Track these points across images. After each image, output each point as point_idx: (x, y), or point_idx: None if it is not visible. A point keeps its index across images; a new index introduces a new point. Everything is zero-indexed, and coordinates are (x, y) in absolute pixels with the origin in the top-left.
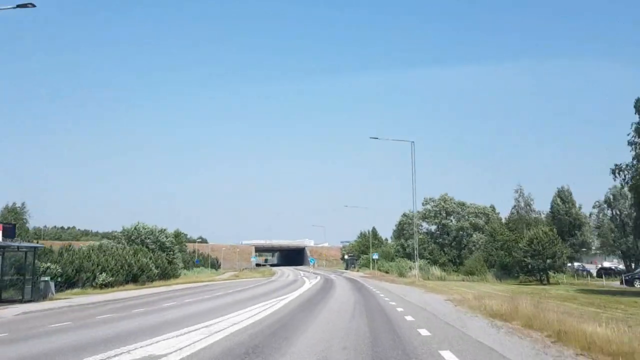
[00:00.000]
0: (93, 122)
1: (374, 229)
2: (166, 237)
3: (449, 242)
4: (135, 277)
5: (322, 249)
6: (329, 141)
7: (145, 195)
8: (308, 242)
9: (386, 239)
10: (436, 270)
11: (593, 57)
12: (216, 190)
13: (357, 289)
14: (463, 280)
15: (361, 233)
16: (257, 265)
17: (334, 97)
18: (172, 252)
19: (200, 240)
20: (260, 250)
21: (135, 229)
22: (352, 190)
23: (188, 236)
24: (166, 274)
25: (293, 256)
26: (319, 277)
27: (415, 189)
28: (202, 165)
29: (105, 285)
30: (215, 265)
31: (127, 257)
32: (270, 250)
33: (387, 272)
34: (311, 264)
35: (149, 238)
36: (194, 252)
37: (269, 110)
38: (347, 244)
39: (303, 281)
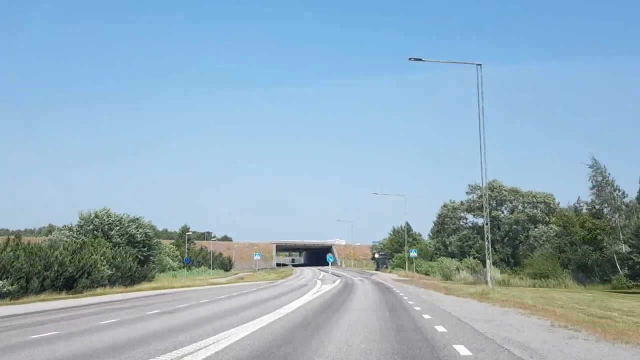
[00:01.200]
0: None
1: (407, 224)
2: (138, 228)
3: (500, 238)
4: (72, 282)
5: (351, 248)
6: (357, 131)
7: (171, 195)
8: (339, 242)
9: (419, 234)
10: (495, 272)
11: None
12: (245, 191)
13: (390, 309)
14: (535, 286)
15: (394, 229)
16: (278, 265)
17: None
18: (146, 249)
19: (223, 239)
20: (284, 249)
21: (96, 216)
22: (384, 182)
23: (213, 235)
24: (131, 276)
25: (320, 255)
26: (337, 281)
27: (484, 140)
28: (234, 165)
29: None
30: (226, 265)
31: (59, 253)
32: (295, 249)
33: (426, 274)
34: (329, 262)
35: (113, 229)
36: (200, 250)
37: (296, 109)
38: (378, 243)
39: (314, 284)
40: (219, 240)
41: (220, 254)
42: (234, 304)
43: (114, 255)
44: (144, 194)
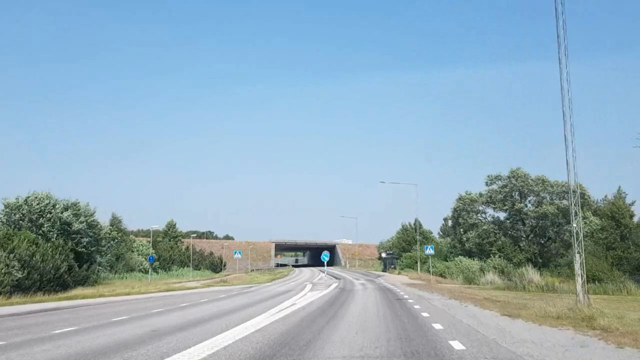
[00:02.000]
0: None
1: (417, 220)
2: (78, 215)
3: (525, 235)
4: None
5: (356, 247)
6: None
7: (172, 194)
8: (344, 241)
9: (430, 231)
10: (535, 275)
11: None
12: (247, 190)
13: None
14: (595, 293)
15: (402, 227)
16: (281, 265)
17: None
18: (87, 242)
19: (225, 238)
20: (284, 248)
21: (25, 203)
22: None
23: (214, 234)
24: (58, 279)
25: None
26: (332, 286)
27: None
28: (235, 164)
29: None
30: (216, 265)
31: None
32: (297, 248)
33: (442, 276)
34: (324, 261)
35: (44, 216)
36: (186, 248)
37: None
38: (385, 241)
39: (300, 290)
40: (220, 239)
41: (212, 254)
42: (100, 341)
43: (33, 252)
44: (147, 194)
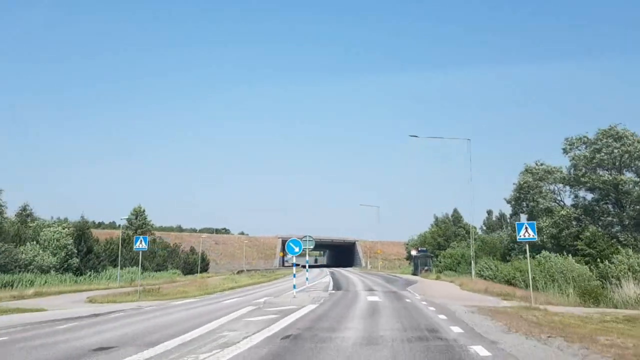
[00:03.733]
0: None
1: (455, 211)
2: None
3: (627, 221)
4: None
5: (379, 245)
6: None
7: (185, 193)
8: (366, 238)
9: (471, 225)
10: None
11: None
12: (264, 188)
13: None
14: None
15: (437, 219)
16: (294, 265)
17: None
18: None
19: (240, 233)
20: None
21: None
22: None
23: (228, 230)
24: None
25: (344, 254)
26: (293, 317)
27: None
28: (238, 165)
29: None
30: (192, 265)
31: None
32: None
33: (511, 284)
34: (292, 253)
35: None
36: (152, 242)
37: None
38: (416, 236)
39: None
40: (234, 235)
41: (192, 250)
42: None
43: None
44: (149, 194)
